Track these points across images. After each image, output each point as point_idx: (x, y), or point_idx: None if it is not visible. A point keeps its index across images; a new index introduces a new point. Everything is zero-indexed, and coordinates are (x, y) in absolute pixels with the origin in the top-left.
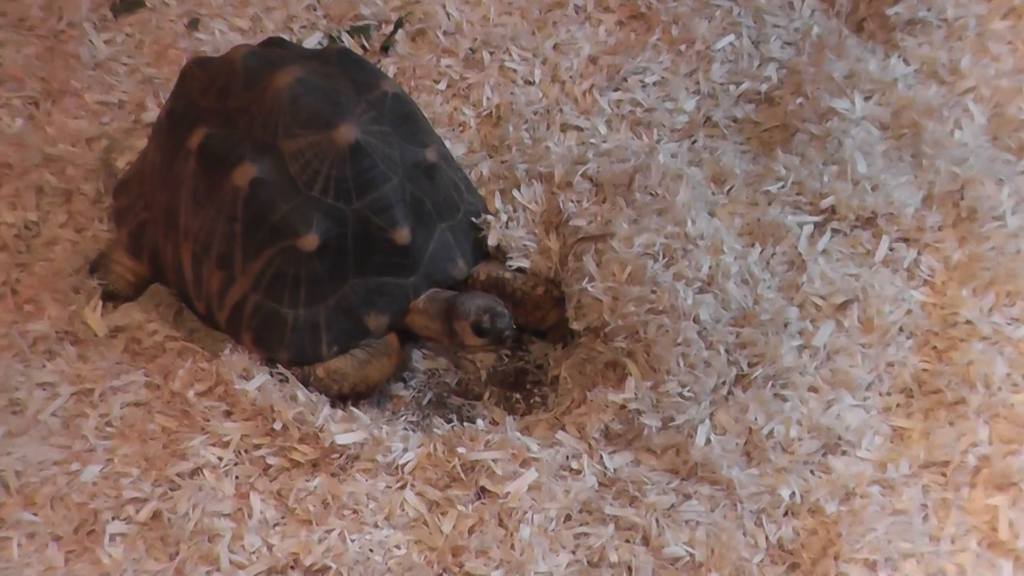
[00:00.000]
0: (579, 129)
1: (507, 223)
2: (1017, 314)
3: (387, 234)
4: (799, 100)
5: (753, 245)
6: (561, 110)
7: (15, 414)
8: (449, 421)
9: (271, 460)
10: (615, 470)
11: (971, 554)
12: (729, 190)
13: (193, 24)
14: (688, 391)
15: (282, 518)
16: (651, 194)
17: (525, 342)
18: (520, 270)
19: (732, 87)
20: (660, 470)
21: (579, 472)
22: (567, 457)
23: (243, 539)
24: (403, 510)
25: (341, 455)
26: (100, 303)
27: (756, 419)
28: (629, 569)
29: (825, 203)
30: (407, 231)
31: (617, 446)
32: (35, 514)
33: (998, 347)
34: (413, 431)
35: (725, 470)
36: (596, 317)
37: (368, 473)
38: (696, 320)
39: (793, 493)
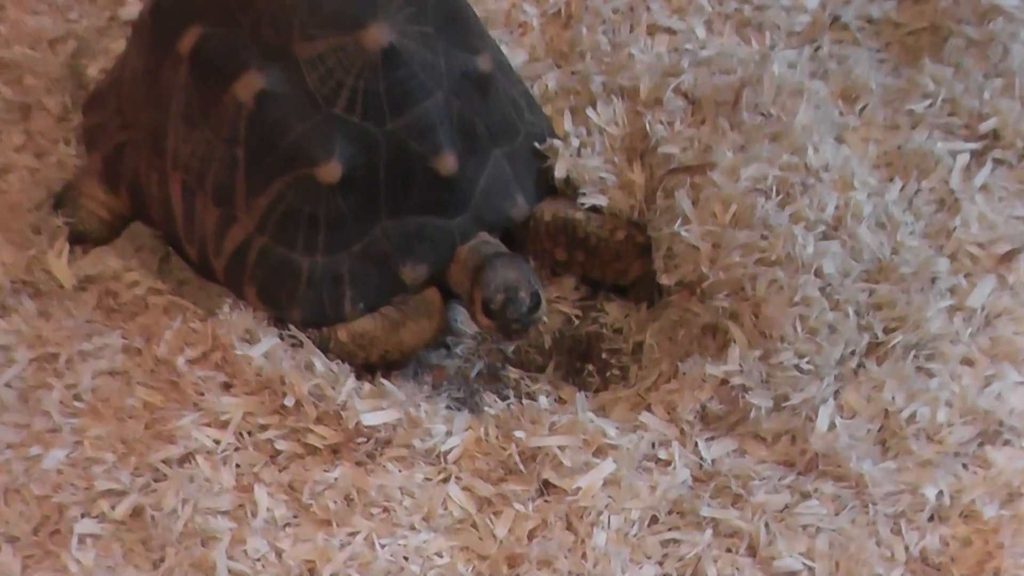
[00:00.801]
0: (671, 32)
1: (579, 150)
2: None
3: (428, 162)
4: None
5: (892, 179)
6: (648, 8)
7: None
8: (504, 398)
9: (281, 445)
10: (714, 461)
11: None
12: (862, 110)
13: None
14: (807, 363)
15: (294, 517)
16: (762, 114)
17: (600, 300)
18: (595, 209)
19: None
20: (771, 462)
21: (668, 463)
22: (653, 444)
23: (245, 543)
24: (446, 509)
25: (369, 439)
26: (67, 247)
27: (894, 399)
28: None
29: (985, 127)
30: (453, 159)
31: (717, 431)
32: None
33: None
34: (459, 410)
35: (854, 463)
36: (691, 269)
37: (402, 462)
38: (818, 274)
39: (941, 493)
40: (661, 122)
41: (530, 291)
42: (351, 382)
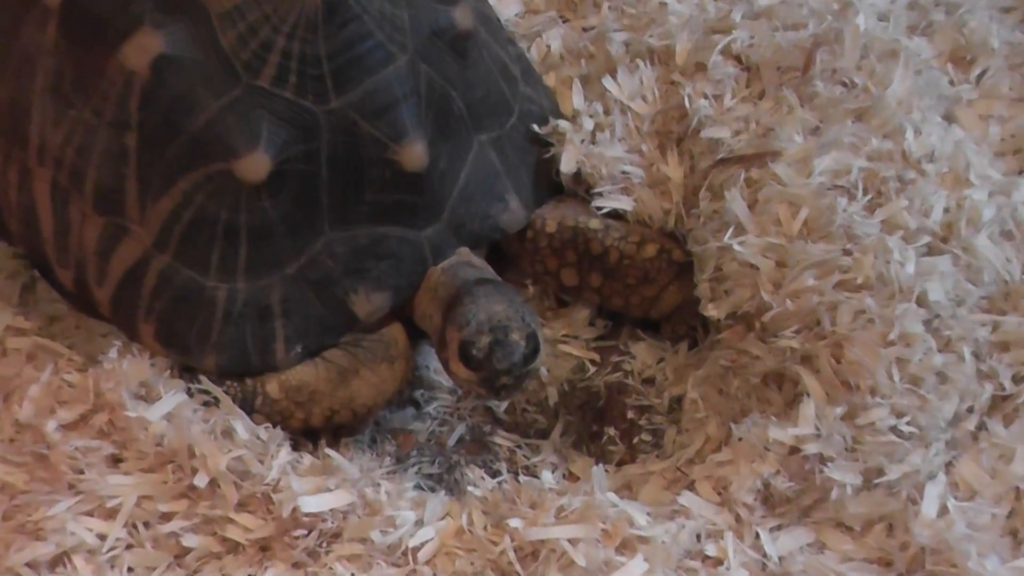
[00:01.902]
0: None
1: (593, 134)
2: None
3: (388, 153)
4: None
5: (1022, 171)
6: None
7: None
8: (495, 474)
9: (189, 540)
10: (781, 560)
11: None
12: (980, 76)
13: None
14: (908, 424)
15: None
16: (843, 83)
17: (624, 340)
18: (616, 215)
19: None
20: (860, 560)
21: (720, 562)
22: (698, 537)
23: None
24: None
25: (310, 532)
26: None
27: None
28: None
29: None
30: (422, 148)
31: (785, 518)
32: None
33: None
34: (433, 491)
35: (974, 561)
36: (748, 297)
37: (356, 563)
38: (922, 302)
39: None
40: (705, 96)
41: (525, 332)
42: (285, 453)
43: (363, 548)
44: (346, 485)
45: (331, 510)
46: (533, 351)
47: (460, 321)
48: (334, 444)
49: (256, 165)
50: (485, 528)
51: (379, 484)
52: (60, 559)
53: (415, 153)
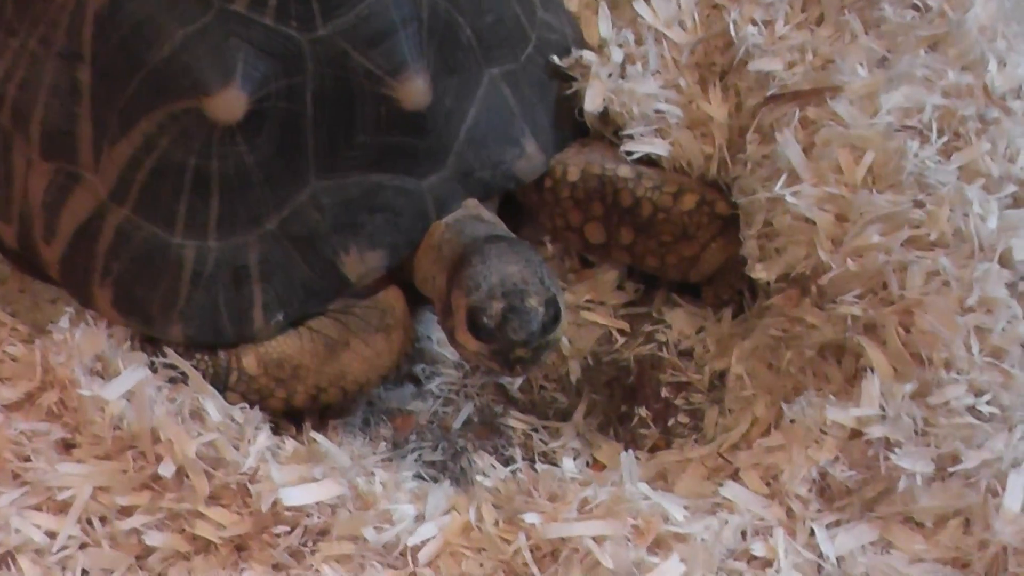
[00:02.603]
0: None
1: (623, 67)
2: None
3: (384, 88)
4: None
5: None
6: None
7: None
8: (507, 461)
9: (153, 538)
10: (841, 560)
11: None
12: None
13: None
14: (989, 403)
15: None
16: (915, 6)
17: (658, 306)
18: (649, 162)
19: None
20: (932, 560)
21: (769, 563)
22: (744, 534)
23: None
24: None
25: (293, 529)
26: None
27: None
28: None
29: None
30: (424, 83)
31: (845, 513)
32: None
33: None
34: (436, 481)
35: None
36: (802, 256)
37: (347, 564)
38: (1006, 261)
39: None
40: (754, 21)
41: (544, 297)
42: (264, 438)
43: (354, 547)
44: (335, 474)
45: (317, 503)
46: (553, 319)
47: (468, 285)
48: (321, 427)
49: (230, 103)
50: (496, 524)
51: (373, 473)
52: (3, 560)
53: (415, 88)
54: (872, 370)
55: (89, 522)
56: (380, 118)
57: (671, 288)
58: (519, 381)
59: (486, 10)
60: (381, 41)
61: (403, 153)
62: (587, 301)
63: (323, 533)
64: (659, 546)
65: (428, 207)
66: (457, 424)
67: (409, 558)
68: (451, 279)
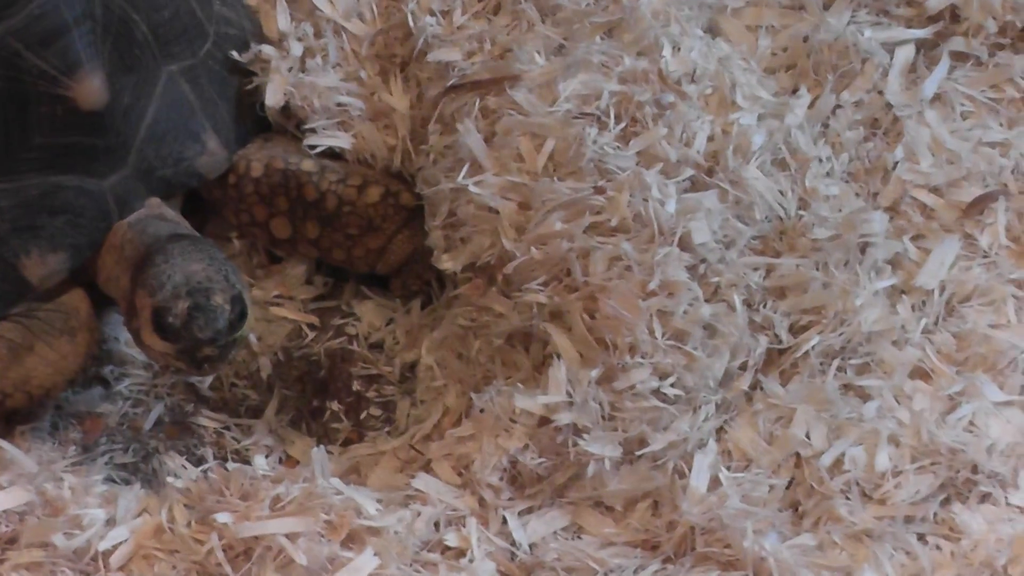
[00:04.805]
0: None
1: (303, 60)
2: None
3: (59, 88)
4: None
5: (796, 91)
6: None
7: None
8: (199, 461)
9: None
10: (533, 547)
11: None
12: None
13: None
14: (674, 386)
15: None
16: None
17: (347, 299)
18: (333, 155)
19: None
20: (622, 544)
21: (462, 554)
22: (437, 525)
23: None
24: None
25: None
26: None
27: (809, 436)
28: None
29: (936, 2)
30: (100, 81)
31: (537, 500)
32: None
33: None
34: (127, 483)
35: (750, 540)
36: (488, 246)
37: (38, 572)
38: (686, 244)
39: None
40: (432, 12)
41: (229, 294)
42: None
43: (44, 554)
44: (22, 481)
45: (4, 511)
46: (240, 316)
47: (152, 284)
48: (7, 434)
49: None
50: (189, 525)
51: (62, 478)
52: None
53: (91, 88)
54: (559, 357)
55: None
56: (56, 118)
57: (360, 281)
58: (209, 380)
59: (162, 6)
60: (54, 40)
61: (82, 153)
62: (276, 296)
63: (11, 541)
64: (353, 541)
65: (110, 207)
66: (148, 425)
67: (101, 563)
68: (134, 279)
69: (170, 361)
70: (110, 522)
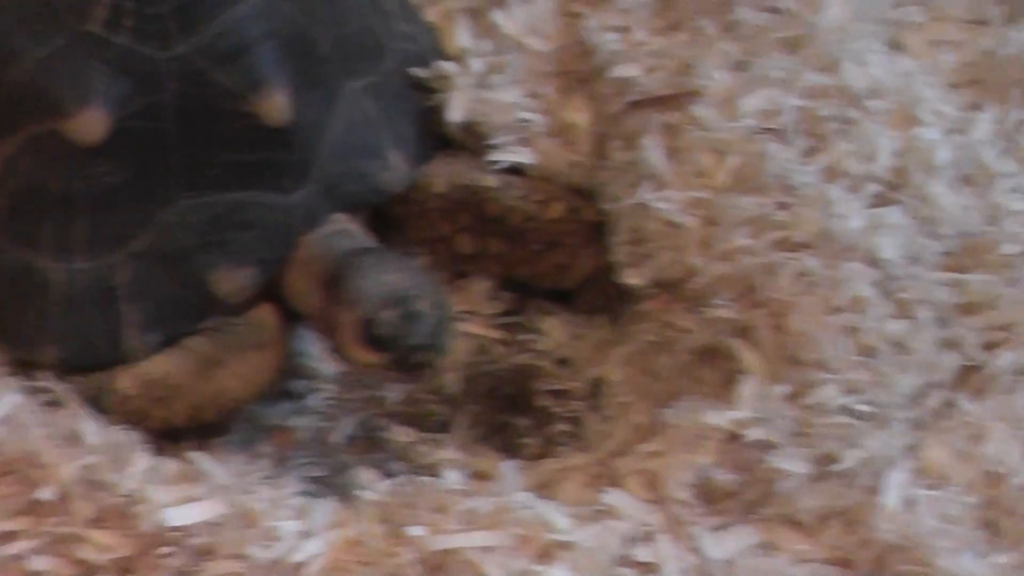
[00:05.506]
0: None
1: (485, 76)
2: None
3: (245, 105)
4: None
5: (979, 105)
6: None
7: None
8: (391, 474)
9: (37, 563)
10: (725, 563)
11: None
12: None
13: None
14: (863, 402)
15: None
16: (771, 9)
17: (532, 315)
18: (515, 171)
19: None
20: (816, 560)
21: (655, 569)
22: (627, 539)
23: None
24: None
25: (177, 548)
26: None
27: (1005, 454)
28: None
29: None
30: (284, 97)
31: (727, 515)
32: None
33: None
34: (320, 496)
35: (946, 559)
36: (672, 261)
37: None
38: (872, 260)
39: None
40: (612, 27)
41: (432, 297)
42: (145, 459)
43: (241, 566)
44: (217, 493)
45: (201, 523)
46: (446, 317)
47: (353, 299)
48: (201, 446)
49: (89, 124)
50: (382, 538)
51: (255, 491)
52: None
53: (276, 104)
54: (747, 372)
55: None
56: (243, 135)
57: (545, 297)
58: (399, 394)
59: (345, 22)
60: (239, 57)
61: (268, 169)
62: (461, 312)
63: (208, 552)
64: (544, 555)
65: (295, 222)
66: (338, 439)
67: (296, 574)
68: (330, 296)
69: (382, 372)
70: (304, 534)
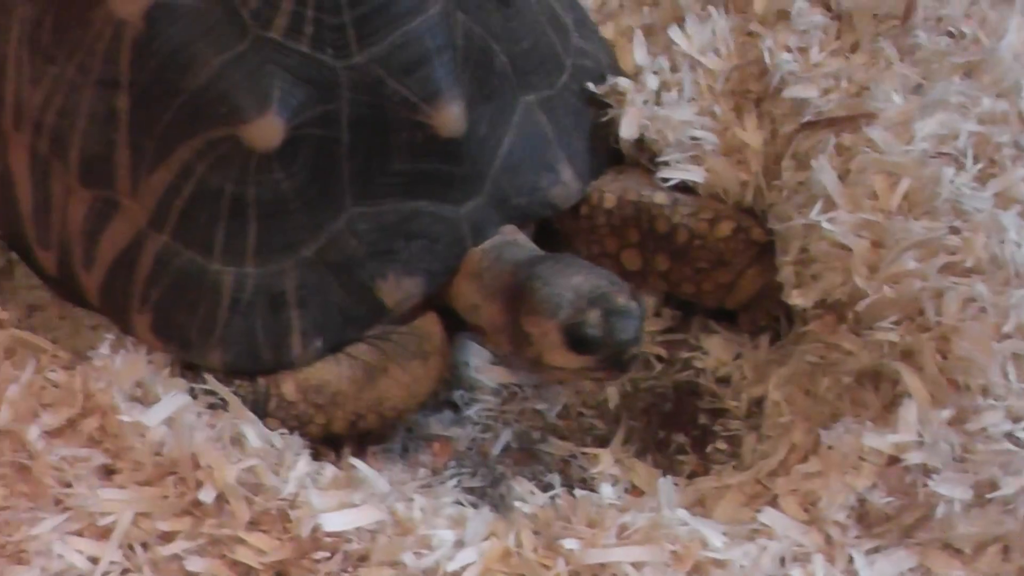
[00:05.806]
0: None
1: (658, 94)
2: None
3: (420, 116)
4: None
5: None
6: None
7: None
8: (546, 487)
9: (194, 564)
10: None
11: None
12: None
13: None
14: None
15: None
16: (950, 33)
17: (695, 332)
18: (685, 189)
19: None
20: None
21: None
22: (782, 560)
23: None
24: None
25: (333, 554)
26: None
27: None
28: None
29: None
30: (459, 109)
31: (884, 539)
32: None
33: None
34: (475, 507)
35: None
36: (839, 283)
37: None
38: None
39: None
40: (788, 49)
41: (626, 291)
42: (304, 464)
43: (394, 573)
44: (374, 500)
45: (357, 529)
46: (644, 313)
47: (546, 307)
48: (360, 453)
49: (267, 130)
50: (536, 550)
51: (412, 499)
52: None
53: (451, 116)
54: (909, 396)
55: (131, 547)
56: (416, 145)
57: (708, 315)
58: (557, 408)
59: (521, 37)
60: (416, 68)
61: (439, 180)
62: None
63: (363, 559)
64: (698, 572)
65: (465, 233)
66: (496, 450)
67: None
68: (513, 309)
69: (587, 375)
70: (458, 544)
